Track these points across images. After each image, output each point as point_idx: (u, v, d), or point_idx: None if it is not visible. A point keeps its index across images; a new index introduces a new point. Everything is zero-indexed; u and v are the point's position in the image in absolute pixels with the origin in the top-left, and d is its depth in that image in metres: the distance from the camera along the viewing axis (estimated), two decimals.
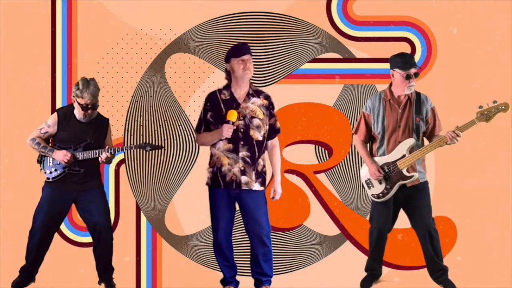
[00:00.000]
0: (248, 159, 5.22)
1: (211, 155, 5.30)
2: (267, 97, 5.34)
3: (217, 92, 5.33)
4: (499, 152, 6.32)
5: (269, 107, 5.33)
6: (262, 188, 5.28)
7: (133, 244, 6.35)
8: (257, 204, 5.25)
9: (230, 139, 5.20)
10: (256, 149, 5.24)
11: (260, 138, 5.26)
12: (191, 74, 6.45)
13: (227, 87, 5.31)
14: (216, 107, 5.27)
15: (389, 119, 5.46)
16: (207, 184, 5.31)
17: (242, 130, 5.22)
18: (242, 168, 5.21)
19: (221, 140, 5.22)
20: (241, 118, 5.22)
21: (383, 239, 5.57)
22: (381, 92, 5.55)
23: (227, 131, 5.16)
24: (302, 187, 6.41)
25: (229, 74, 5.30)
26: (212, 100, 5.31)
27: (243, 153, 5.22)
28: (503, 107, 5.32)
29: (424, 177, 5.50)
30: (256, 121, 5.25)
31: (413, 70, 5.40)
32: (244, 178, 5.21)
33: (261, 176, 5.27)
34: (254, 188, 5.23)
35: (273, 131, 5.35)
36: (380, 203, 5.50)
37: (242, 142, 5.22)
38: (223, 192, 5.25)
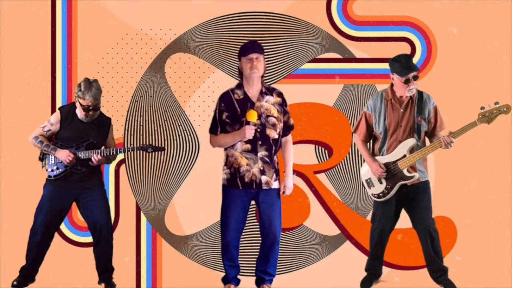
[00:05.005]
0: (266, 159, 5.21)
1: (227, 156, 5.26)
2: (280, 94, 5.34)
3: (230, 92, 5.30)
4: (499, 152, 6.32)
5: (283, 104, 5.32)
6: (278, 186, 5.29)
7: (133, 244, 6.35)
8: (273, 202, 5.25)
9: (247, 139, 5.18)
10: (273, 148, 5.24)
11: (276, 136, 5.26)
12: (191, 74, 6.45)
13: (240, 86, 5.30)
14: (231, 107, 5.24)
15: (390, 119, 5.46)
16: (223, 184, 5.29)
17: (259, 129, 5.20)
18: (262, 168, 5.20)
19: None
20: (258, 117, 5.21)
21: (384, 238, 5.57)
22: (383, 92, 5.55)
23: (249, 132, 5.13)
24: (302, 187, 6.41)
25: (240, 73, 5.29)
26: (226, 100, 5.27)
27: (261, 152, 5.21)
28: (505, 109, 5.31)
29: (425, 177, 5.49)
30: (271, 120, 5.24)
31: (411, 74, 5.40)
32: (264, 178, 5.20)
33: (277, 174, 5.28)
34: (273, 187, 5.23)
35: (287, 128, 5.35)
36: (383, 202, 5.50)
37: (260, 142, 5.20)
38: (240, 193, 5.23)
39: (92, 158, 5.44)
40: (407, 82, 5.40)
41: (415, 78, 5.41)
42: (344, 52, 6.40)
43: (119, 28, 6.42)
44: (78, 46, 6.41)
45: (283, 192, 5.29)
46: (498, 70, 6.33)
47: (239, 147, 5.20)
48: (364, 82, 6.39)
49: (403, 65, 5.40)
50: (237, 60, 5.30)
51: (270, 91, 5.32)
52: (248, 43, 5.35)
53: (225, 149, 5.28)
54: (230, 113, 5.24)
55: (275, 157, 5.27)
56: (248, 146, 5.20)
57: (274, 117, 5.25)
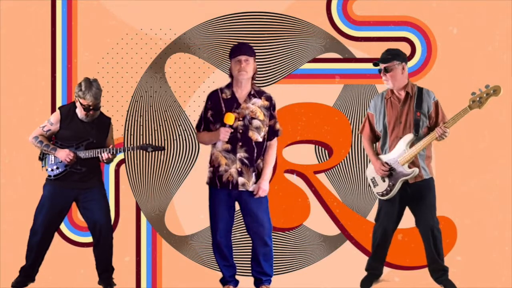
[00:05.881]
0: (246, 161, 5.21)
1: (211, 154, 5.30)
2: (269, 98, 5.33)
3: (218, 91, 5.32)
4: (499, 153, 6.32)
5: (270, 108, 5.31)
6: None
7: (133, 244, 6.35)
8: (258, 204, 5.24)
9: (229, 139, 5.19)
10: (255, 151, 5.23)
11: (260, 140, 5.25)
12: (191, 74, 6.45)
13: (229, 86, 5.31)
14: (217, 106, 5.26)
15: (390, 116, 5.46)
16: (207, 183, 5.31)
17: (241, 131, 5.21)
18: (240, 169, 5.20)
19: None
20: (241, 118, 5.21)
21: (387, 238, 5.56)
22: (384, 92, 5.57)
23: (224, 134, 5.15)
24: (302, 187, 6.41)
25: (231, 74, 5.30)
26: (213, 99, 5.30)
27: (241, 154, 5.21)
28: (494, 91, 5.30)
29: (428, 174, 5.47)
30: (256, 122, 5.24)
31: (382, 65, 5.42)
32: (241, 179, 5.20)
33: (260, 177, 5.26)
34: (250, 189, 5.22)
35: (272, 133, 5.33)
36: (386, 201, 5.50)
37: (240, 143, 5.21)
38: (221, 192, 5.24)
39: (103, 156, 5.43)
40: (379, 72, 5.42)
41: (386, 70, 5.42)
42: (344, 52, 6.40)
43: (119, 28, 6.42)
44: (78, 46, 6.41)
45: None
46: (498, 70, 6.33)
47: (220, 146, 5.22)
48: (364, 82, 6.39)
49: (381, 56, 5.44)
50: None
51: (259, 94, 5.31)
52: (237, 45, 5.36)
53: (211, 147, 5.30)
54: (214, 111, 5.26)
55: (259, 161, 5.26)
56: (228, 146, 5.21)
57: (259, 120, 5.25)
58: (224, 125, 5.17)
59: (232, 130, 5.17)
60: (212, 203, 5.29)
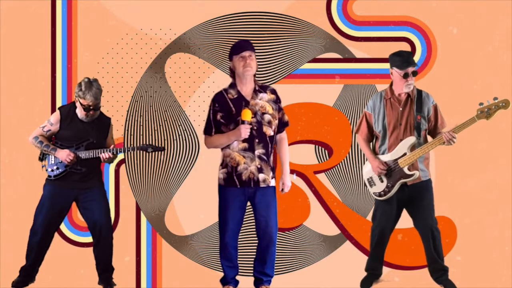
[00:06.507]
0: (264, 156, 5.20)
1: (224, 156, 5.25)
2: (274, 91, 5.33)
3: (223, 92, 5.29)
4: (499, 152, 6.32)
5: (277, 101, 5.31)
6: (275, 184, 5.29)
7: (133, 244, 6.35)
8: (270, 202, 5.24)
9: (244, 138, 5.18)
10: (269, 145, 5.23)
11: (272, 134, 5.25)
12: (191, 74, 6.45)
13: (233, 85, 5.28)
14: (226, 107, 5.23)
15: (390, 118, 5.46)
16: (220, 184, 5.27)
17: (255, 127, 5.19)
18: (259, 166, 5.19)
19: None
20: (253, 115, 5.19)
21: (385, 238, 5.56)
22: (382, 91, 5.56)
23: (245, 132, 5.12)
24: (302, 187, 6.41)
25: (233, 73, 5.29)
26: (220, 100, 5.26)
27: (259, 150, 5.20)
28: (504, 104, 5.30)
29: (427, 176, 5.48)
30: (267, 117, 5.24)
31: (410, 69, 5.40)
32: (261, 176, 5.19)
33: (274, 171, 5.28)
34: (271, 184, 5.23)
35: (282, 125, 5.34)
36: (383, 201, 5.50)
37: (257, 140, 5.19)
38: (238, 192, 5.22)
39: (102, 156, 5.43)
40: (405, 76, 5.40)
41: (414, 73, 5.41)
42: (344, 52, 6.41)
43: (119, 28, 6.42)
44: (78, 46, 6.41)
45: (282, 190, 5.29)
46: (498, 70, 6.33)
47: (236, 146, 5.19)
48: (364, 82, 6.39)
49: (403, 59, 5.41)
50: None
51: (263, 88, 5.31)
52: (240, 41, 5.35)
53: (222, 149, 5.27)
54: (224, 113, 5.23)
55: (271, 155, 5.26)
56: (246, 144, 5.19)
57: (269, 114, 5.25)
58: (242, 122, 5.15)
59: (251, 126, 5.17)
60: (225, 203, 5.26)
